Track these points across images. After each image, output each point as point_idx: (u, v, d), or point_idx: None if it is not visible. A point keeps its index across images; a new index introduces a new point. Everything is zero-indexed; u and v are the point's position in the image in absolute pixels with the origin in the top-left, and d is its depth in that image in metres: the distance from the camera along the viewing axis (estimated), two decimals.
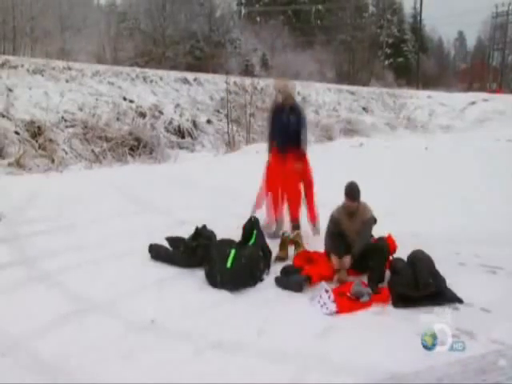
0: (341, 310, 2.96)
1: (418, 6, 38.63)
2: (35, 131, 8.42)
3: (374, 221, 3.58)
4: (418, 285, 3.06)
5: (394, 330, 2.75)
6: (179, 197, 5.95)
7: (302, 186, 4.46)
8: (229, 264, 3.34)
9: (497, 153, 10.64)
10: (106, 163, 8.65)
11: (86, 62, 16.30)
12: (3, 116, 8.48)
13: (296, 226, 4.36)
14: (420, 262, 3.23)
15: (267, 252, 3.73)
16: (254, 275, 3.42)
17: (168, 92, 13.46)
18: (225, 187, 6.58)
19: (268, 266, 3.63)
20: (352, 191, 3.51)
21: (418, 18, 39.62)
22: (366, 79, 32.71)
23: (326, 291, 3.03)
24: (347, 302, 3.03)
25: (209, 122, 12.61)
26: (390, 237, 3.68)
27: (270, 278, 3.48)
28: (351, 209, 3.53)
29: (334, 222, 3.58)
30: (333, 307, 2.95)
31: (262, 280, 3.46)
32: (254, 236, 3.72)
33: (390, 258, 3.56)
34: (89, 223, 4.77)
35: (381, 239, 3.56)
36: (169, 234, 3.96)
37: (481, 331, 2.70)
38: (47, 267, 3.60)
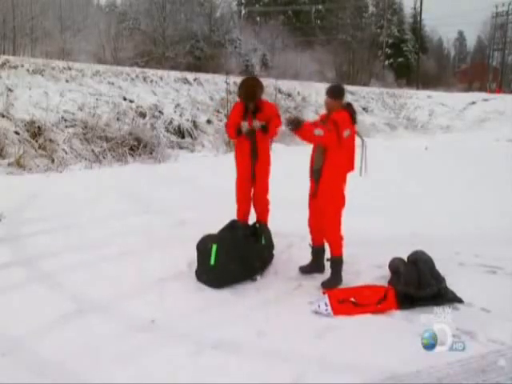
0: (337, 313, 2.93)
1: (418, 5, 38.70)
2: (35, 131, 8.40)
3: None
4: (419, 285, 3.06)
5: (394, 330, 2.75)
6: (179, 197, 5.95)
7: None
8: (212, 261, 3.21)
9: (497, 153, 10.66)
10: (106, 163, 8.63)
11: (86, 62, 16.29)
12: (3, 116, 8.47)
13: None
14: (421, 262, 3.22)
15: (272, 254, 3.71)
16: (244, 272, 3.30)
17: (168, 92, 13.46)
18: (225, 187, 6.55)
19: (264, 268, 3.58)
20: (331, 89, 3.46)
21: (418, 18, 39.66)
22: (366, 79, 32.72)
23: (326, 305, 2.97)
24: (347, 309, 2.98)
25: (209, 121, 12.60)
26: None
27: (267, 279, 3.47)
28: (328, 106, 3.43)
29: None
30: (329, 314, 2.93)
31: (254, 280, 3.39)
32: (263, 238, 3.62)
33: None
34: (89, 223, 4.77)
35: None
36: (169, 233, 3.96)
37: (481, 331, 2.70)
38: (47, 267, 3.60)
